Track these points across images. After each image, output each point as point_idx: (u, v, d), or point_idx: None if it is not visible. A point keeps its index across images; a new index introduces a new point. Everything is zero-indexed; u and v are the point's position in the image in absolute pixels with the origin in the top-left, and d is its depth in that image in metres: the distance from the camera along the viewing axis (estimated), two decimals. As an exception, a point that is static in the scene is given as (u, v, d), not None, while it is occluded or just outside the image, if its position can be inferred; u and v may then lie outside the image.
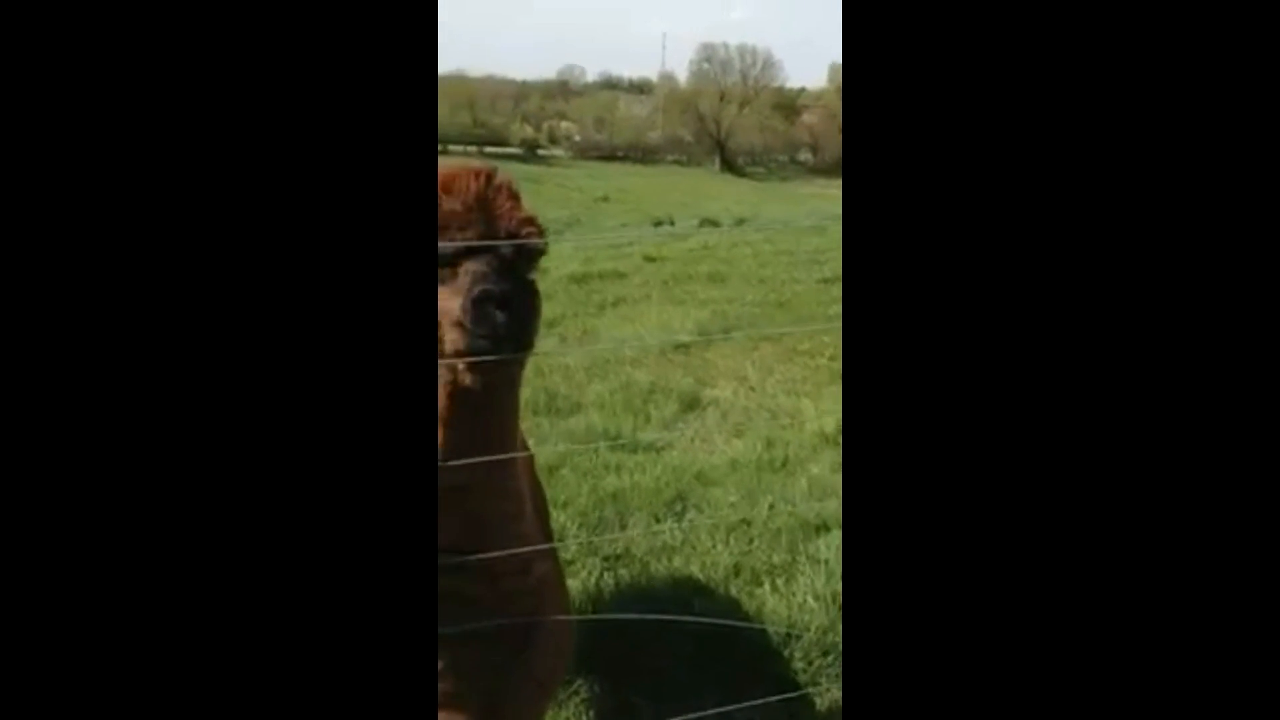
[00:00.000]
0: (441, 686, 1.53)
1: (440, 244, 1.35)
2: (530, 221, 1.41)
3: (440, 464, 1.45)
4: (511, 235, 1.37)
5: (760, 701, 2.45)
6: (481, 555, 1.46)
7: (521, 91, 51.54)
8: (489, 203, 1.38)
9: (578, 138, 45.21)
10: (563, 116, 48.75)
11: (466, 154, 36.78)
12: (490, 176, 1.40)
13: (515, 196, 1.41)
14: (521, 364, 1.49)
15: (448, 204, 1.36)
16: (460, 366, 1.40)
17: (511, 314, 1.31)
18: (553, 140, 44.61)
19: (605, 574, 3.42)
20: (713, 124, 44.77)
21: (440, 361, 1.39)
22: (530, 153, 39.26)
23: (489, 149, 38.42)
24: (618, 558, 3.53)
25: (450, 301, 1.35)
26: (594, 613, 3.10)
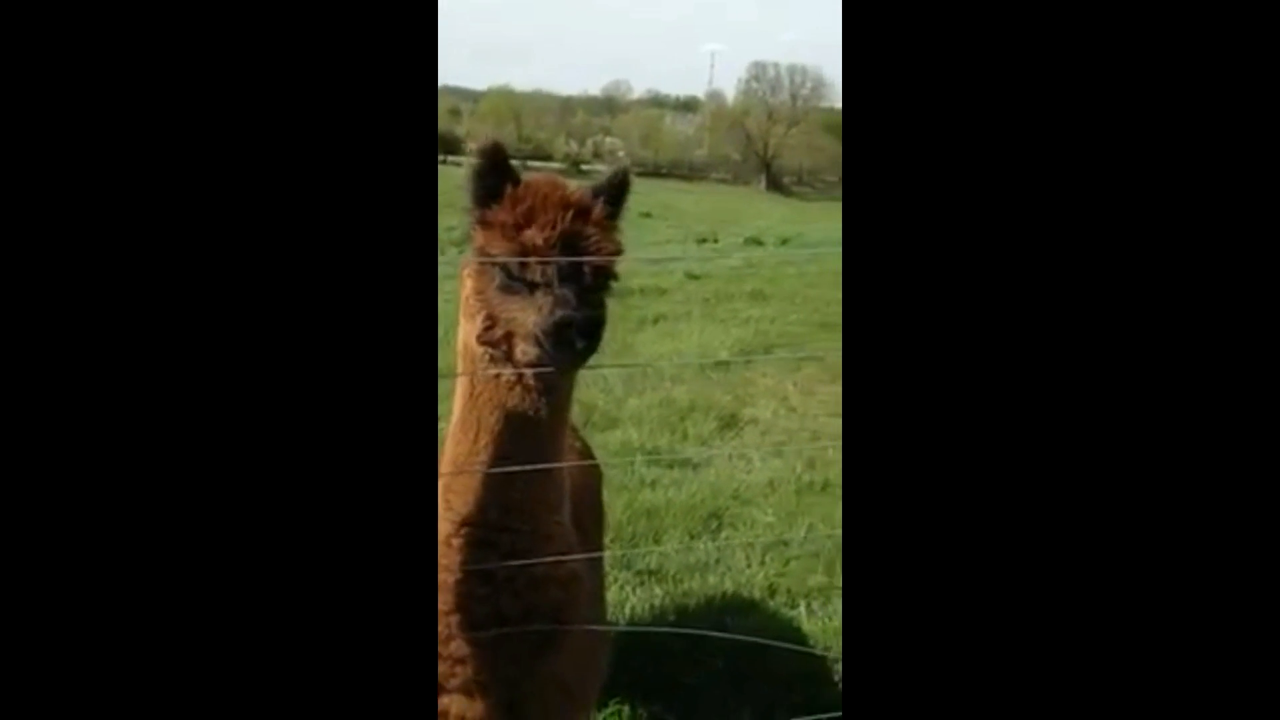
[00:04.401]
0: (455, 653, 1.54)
1: (519, 259, 1.38)
2: (613, 243, 1.42)
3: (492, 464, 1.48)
4: (594, 255, 1.39)
5: (795, 723, 2.44)
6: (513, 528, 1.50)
7: (567, 107, 52.00)
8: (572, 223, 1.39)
9: (622, 153, 45.42)
10: (607, 132, 49.07)
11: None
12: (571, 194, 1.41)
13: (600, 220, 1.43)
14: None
15: (535, 234, 1.37)
16: (527, 375, 1.43)
17: (588, 339, 1.34)
18: (597, 156, 44.91)
19: (638, 589, 3.43)
20: (760, 143, 44.58)
21: (509, 370, 1.43)
22: (574, 168, 39.56)
23: (532, 163, 38.75)
24: (651, 573, 3.53)
25: (526, 315, 1.38)
26: (627, 627, 3.11)
